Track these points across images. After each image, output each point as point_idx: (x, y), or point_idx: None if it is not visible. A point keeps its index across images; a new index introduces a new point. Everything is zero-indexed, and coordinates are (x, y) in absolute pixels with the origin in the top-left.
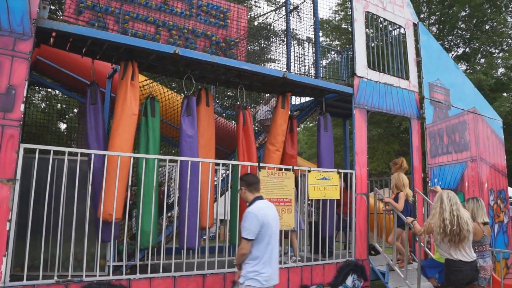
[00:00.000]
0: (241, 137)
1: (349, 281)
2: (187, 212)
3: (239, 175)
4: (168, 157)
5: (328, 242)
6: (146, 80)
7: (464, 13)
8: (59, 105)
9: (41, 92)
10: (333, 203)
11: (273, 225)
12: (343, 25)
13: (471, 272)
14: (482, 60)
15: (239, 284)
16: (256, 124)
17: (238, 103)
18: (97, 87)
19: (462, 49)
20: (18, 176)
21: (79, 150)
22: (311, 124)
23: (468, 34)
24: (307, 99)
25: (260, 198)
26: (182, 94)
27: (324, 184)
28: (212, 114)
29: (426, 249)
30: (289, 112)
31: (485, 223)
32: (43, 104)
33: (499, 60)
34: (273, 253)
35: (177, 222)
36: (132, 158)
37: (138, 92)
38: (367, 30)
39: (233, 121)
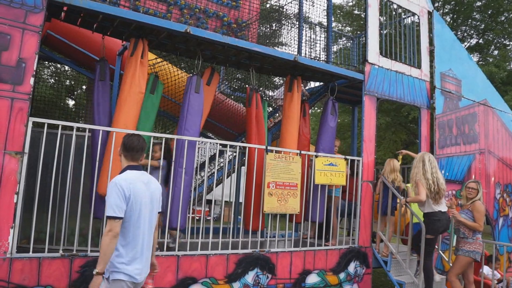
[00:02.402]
0: (253, 121)
1: (351, 267)
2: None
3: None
4: (176, 137)
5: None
6: (156, 58)
7: (480, 3)
8: (68, 81)
9: (51, 68)
10: (325, 189)
11: (145, 203)
12: (356, 11)
13: (446, 221)
14: (495, 52)
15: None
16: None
17: (249, 86)
18: (107, 63)
19: (476, 40)
20: (27, 149)
21: (87, 126)
22: (318, 110)
23: (483, 25)
24: (317, 84)
25: (135, 168)
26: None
27: (330, 170)
28: (211, 94)
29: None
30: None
31: None
32: (52, 80)
33: None
34: (144, 239)
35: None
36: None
37: (147, 71)
38: (380, 17)
39: (241, 103)
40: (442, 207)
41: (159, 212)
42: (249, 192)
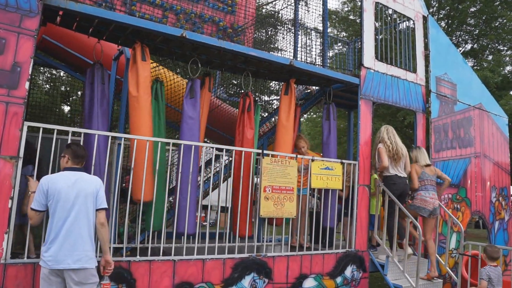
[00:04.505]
0: (240, 124)
1: (348, 271)
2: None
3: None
4: (172, 141)
5: (329, 232)
6: (152, 62)
7: (474, 9)
8: (63, 87)
9: (46, 74)
10: (335, 194)
11: (65, 197)
12: (351, 17)
13: (403, 185)
14: (490, 57)
15: None
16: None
17: (242, 91)
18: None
19: (470, 45)
20: (21, 154)
21: (83, 130)
22: (314, 115)
23: (477, 31)
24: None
25: (70, 169)
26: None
27: (327, 174)
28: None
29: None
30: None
31: (427, 165)
32: (47, 85)
33: (507, 58)
34: (62, 230)
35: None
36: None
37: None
38: (375, 22)
39: (237, 109)
40: (399, 171)
41: (101, 209)
42: (236, 197)
